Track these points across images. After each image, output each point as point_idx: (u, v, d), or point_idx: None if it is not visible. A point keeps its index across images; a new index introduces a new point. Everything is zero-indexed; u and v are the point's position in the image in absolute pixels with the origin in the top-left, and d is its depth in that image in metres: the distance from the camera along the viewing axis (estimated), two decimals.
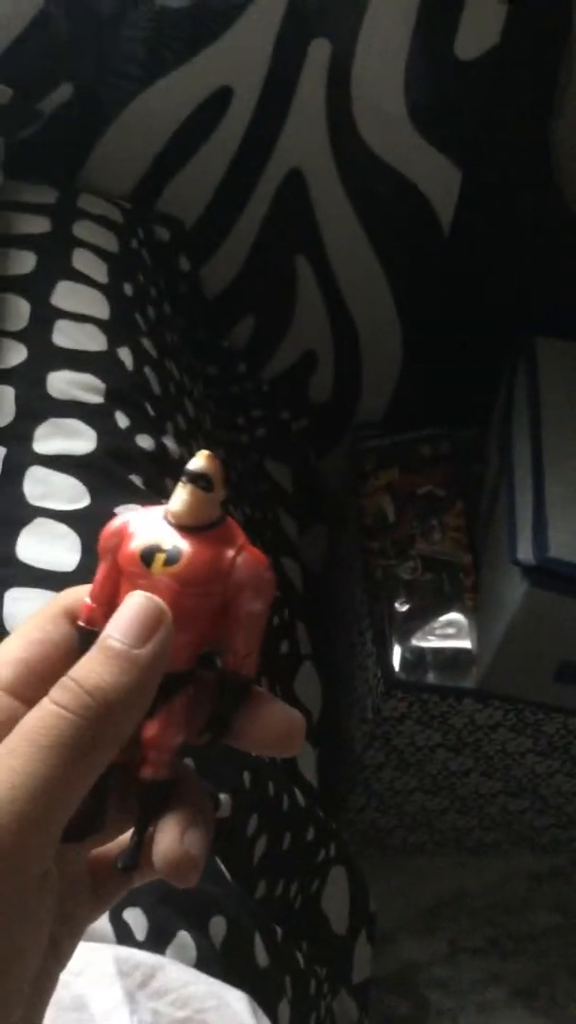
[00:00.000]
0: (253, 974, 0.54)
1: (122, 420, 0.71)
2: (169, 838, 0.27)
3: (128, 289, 0.82)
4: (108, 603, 0.28)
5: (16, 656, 0.28)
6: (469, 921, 1.10)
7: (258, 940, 0.56)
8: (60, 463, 0.67)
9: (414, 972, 1.06)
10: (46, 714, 0.25)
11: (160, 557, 0.27)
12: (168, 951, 0.48)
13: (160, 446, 0.73)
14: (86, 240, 0.82)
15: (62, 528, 0.63)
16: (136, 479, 0.69)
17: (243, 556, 0.28)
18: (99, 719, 0.25)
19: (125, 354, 0.76)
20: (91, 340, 0.75)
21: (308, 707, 0.91)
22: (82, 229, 0.83)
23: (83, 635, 0.28)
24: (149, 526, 0.28)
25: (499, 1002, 1.05)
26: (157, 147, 0.92)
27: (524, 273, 1.03)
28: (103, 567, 0.29)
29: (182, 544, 0.27)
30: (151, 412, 0.75)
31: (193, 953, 0.49)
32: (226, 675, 0.28)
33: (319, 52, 0.87)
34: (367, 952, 0.78)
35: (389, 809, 1.05)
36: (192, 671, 0.29)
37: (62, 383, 0.71)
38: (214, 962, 0.49)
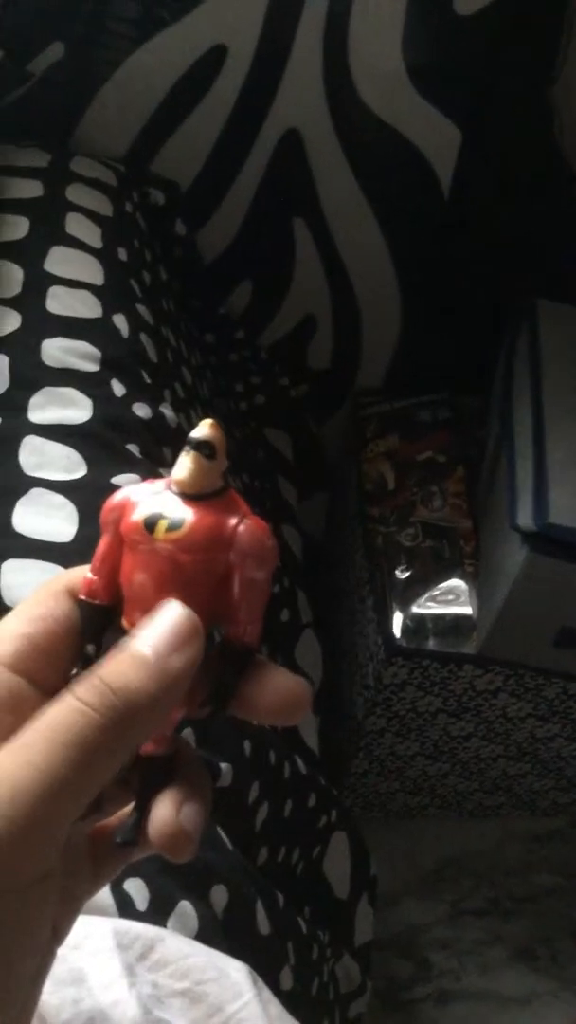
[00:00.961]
0: (255, 942, 0.54)
1: (118, 388, 0.71)
2: (165, 812, 0.27)
3: (123, 254, 0.81)
4: (109, 575, 0.28)
5: (19, 631, 0.27)
6: (470, 883, 1.11)
7: (260, 908, 0.56)
8: (55, 432, 0.66)
9: (416, 934, 1.07)
10: (69, 710, 0.24)
11: (163, 524, 0.27)
12: (169, 921, 0.48)
13: (157, 414, 0.72)
14: (80, 204, 0.81)
15: (58, 499, 0.63)
16: (133, 448, 0.68)
17: (246, 524, 0.27)
18: (123, 722, 0.24)
19: (120, 321, 0.75)
20: (85, 307, 0.74)
21: (310, 675, 0.91)
22: (75, 193, 0.82)
23: (85, 608, 0.28)
24: (152, 496, 0.28)
25: (500, 962, 1.06)
26: (151, 108, 0.90)
27: (525, 236, 1.01)
28: (105, 540, 0.29)
29: (185, 511, 0.27)
30: (147, 380, 0.74)
31: (195, 922, 0.49)
32: (228, 644, 0.28)
33: (315, 8, 0.85)
34: (369, 915, 0.79)
35: (391, 774, 1.06)
36: None
37: (56, 351, 0.70)
38: (216, 931, 0.50)
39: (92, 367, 0.70)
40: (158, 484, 0.28)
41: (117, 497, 0.29)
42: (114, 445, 0.67)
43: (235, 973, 0.42)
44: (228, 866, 0.55)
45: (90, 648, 0.28)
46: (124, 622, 0.28)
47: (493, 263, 1.03)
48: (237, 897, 0.54)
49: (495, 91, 0.90)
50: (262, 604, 0.28)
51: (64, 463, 0.65)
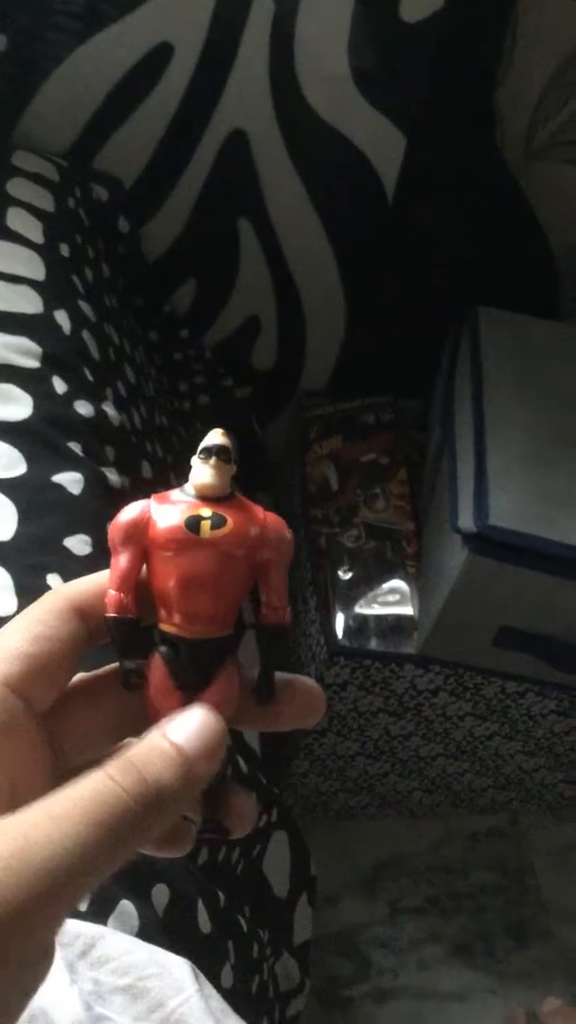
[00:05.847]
0: (196, 940, 0.54)
1: (59, 385, 0.70)
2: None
3: (65, 250, 0.80)
4: (135, 589, 0.29)
5: (24, 651, 0.27)
6: (409, 881, 1.12)
7: (201, 907, 0.56)
8: None
9: (356, 932, 1.08)
10: (106, 789, 0.24)
11: (206, 523, 0.28)
12: (111, 920, 0.47)
13: (99, 412, 0.71)
14: (21, 199, 0.80)
15: None
16: (75, 446, 0.67)
17: (270, 517, 0.30)
18: (151, 811, 0.24)
19: (62, 317, 0.74)
20: (26, 302, 0.73)
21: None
22: (17, 187, 0.81)
23: (118, 624, 0.29)
24: (172, 505, 0.29)
25: (438, 959, 1.07)
26: (95, 103, 0.89)
27: (468, 241, 1.03)
28: (127, 555, 0.29)
29: (219, 511, 0.29)
30: (89, 377, 0.73)
31: (136, 921, 0.49)
32: (267, 628, 0.30)
33: (262, 10, 0.85)
34: (308, 914, 0.79)
35: (331, 773, 1.06)
36: (233, 635, 0.30)
37: None
38: (157, 930, 0.49)
39: (33, 364, 0.70)
40: (165, 495, 0.29)
41: (133, 512, 0.29)
42: (55, 443, 0.66)
43: (176, 969, 0.42)
44: (169, 865, 0.54)
45: (131, 664, 0.29)
46: (165, 626, 0.29)
47: (436, 268, 1.04)
48: (178, 896, 0.53)
49: (439, 97, 0.92)
50: (287, 589, 0.30)
51: (3, 460, 0.64)
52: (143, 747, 0.26)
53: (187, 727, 0.26)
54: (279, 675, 0.30)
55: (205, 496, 0.29)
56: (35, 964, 0.23)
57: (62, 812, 0.23)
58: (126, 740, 0.30)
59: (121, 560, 0.29)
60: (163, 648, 0.29)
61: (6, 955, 0.22)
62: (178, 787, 0.25)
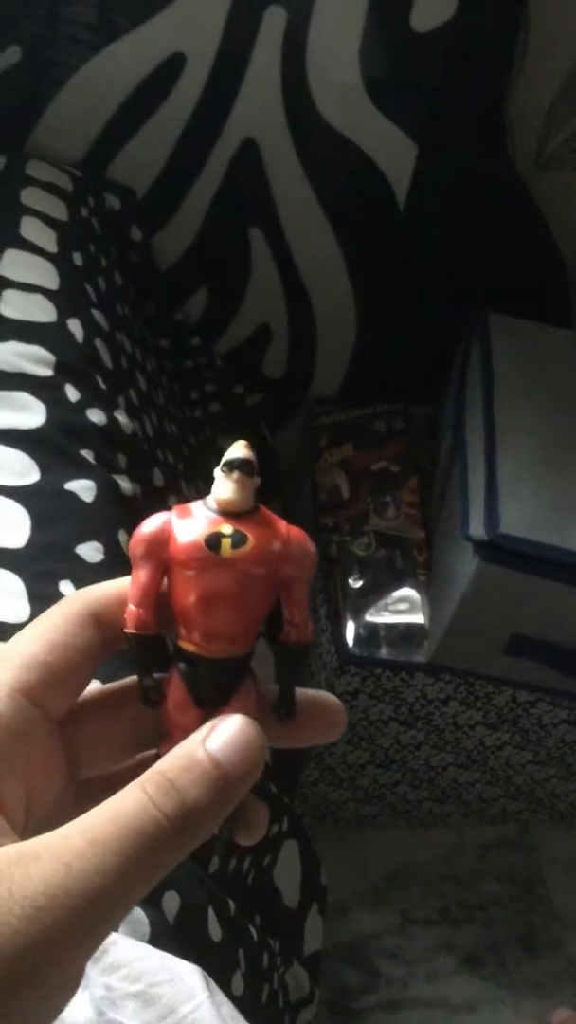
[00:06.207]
0: (207, 948, 0.54)
1: (72, 394, 0.70)
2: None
3: (78, 259, 0.80)
4: (155, 605, 0.29)
5: (39, 659, 0.27)
6: (420, 892, 1.12)
7: (211, 915, 0.56)
8: (8, 437, 0.65)
9: (366, 943, 1.08)
10: (145, 814, 0.23)
11: (226, 541, 0.28)
12: (121, 927, 0.47)
13: (112, 420, 0.72)
14: (34, 208, 0.81)
15: (10, 503, 0.62)
16: (87, 454, 0.68)
17: (294, 532, 0.29)
18: (186, 835, 0.24)
19: (75, 326, 0.74)
20: (40, 311, 0.73)
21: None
22: (30, 196, 0.81)
23: (138, 641, 0.28)
24: (193, 520, 0.28)
25: (448, 970, 1.07)
26: (108, 114, 0.90)
27: (478, 249, 1.03)
28: (147, 569, 0.28)
29: (240, 528, 0.28)
30: (102, 385, 0.74)
31: (147, 928, 0.49)
32: (288, 647, 0.29)
33: (274, 20, 0.86)
34: (318, 924, 0.79)
35: (342, 783, 1.06)
36: (251, 653, 0.29)
37: (10, 355, 0.69)
38: (168, 937, 0.49)
39: (46, 372, 0.70)
40: (187, 508, 0.29)
41: (154, 526, 0.28)
42: (68, 450, 0.67)
43: (188, 975, 0.42)
44: (180, 873, 0.54)
45: (151, 680, 0.28)
46: (184, 644, 0.28)
47: (446, 275, 1.04)
48: (189, 904, 0.53)
49: (450, 106, 0.92)
50: (308, 605, 0.30)
51: (16, 468, 0.64)
52: (181, 761, 0.25)
53: (228, 742, 0.25)
54: (299, 691, 0.29)
55: (227, 511, 0.28)
56: (67, 986, 0.23)
57: (104, 840, 0.23)
58: (143, 753, 0.30)
59: (141, 574, 0.28)
60: (182, 665, 0.28)
61: (43, 979, 0.22)
62: (216, 810, 0.24)
